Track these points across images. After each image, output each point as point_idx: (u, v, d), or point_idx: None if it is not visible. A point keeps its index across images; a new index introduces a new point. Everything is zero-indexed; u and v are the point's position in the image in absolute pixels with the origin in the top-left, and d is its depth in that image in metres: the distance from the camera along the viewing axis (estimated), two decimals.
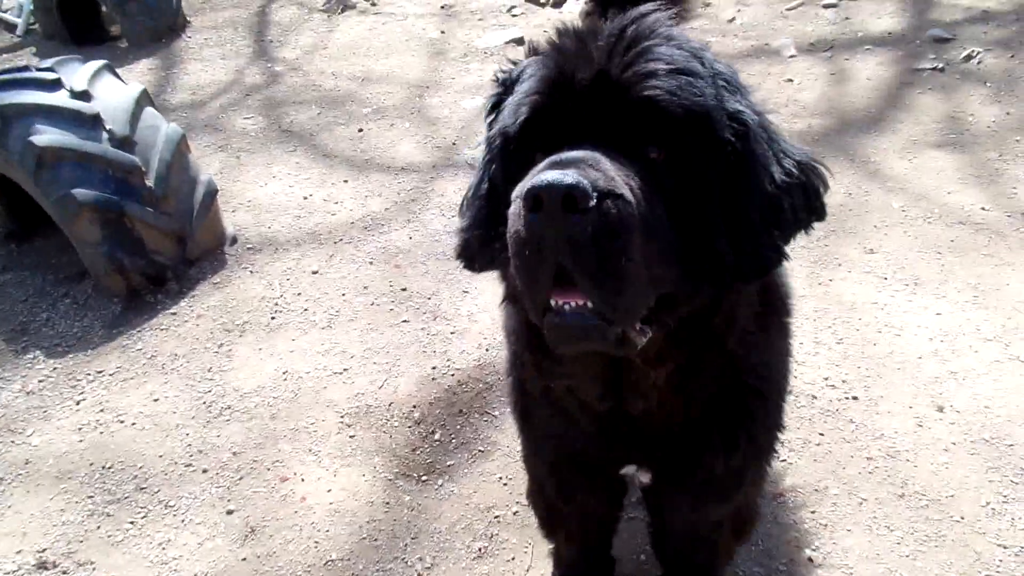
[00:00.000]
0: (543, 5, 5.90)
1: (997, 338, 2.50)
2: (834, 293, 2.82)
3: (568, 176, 0.96)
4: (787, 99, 4.17)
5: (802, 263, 2.94)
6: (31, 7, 6.05)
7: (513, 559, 1.98)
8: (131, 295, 2.89)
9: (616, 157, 1.06)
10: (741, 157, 1.14)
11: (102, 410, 2.49)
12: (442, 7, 6.07)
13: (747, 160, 1.15)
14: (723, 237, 1.12)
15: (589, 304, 1.02)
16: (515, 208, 1.03)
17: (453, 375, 2.50)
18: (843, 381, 2.43)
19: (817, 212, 1.24)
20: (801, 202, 1.21)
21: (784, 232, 1.19)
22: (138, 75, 5.35)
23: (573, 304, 1.03)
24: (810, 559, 1.96)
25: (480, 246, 1.28)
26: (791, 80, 4.37)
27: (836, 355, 2.54)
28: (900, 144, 3.60)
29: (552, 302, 1.04)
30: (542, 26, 5.59)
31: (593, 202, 0.97)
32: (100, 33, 6.07)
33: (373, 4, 6.18)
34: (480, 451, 2.25)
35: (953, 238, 2.97)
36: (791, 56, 4.69)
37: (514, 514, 2.07)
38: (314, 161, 3.92)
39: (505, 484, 2.14)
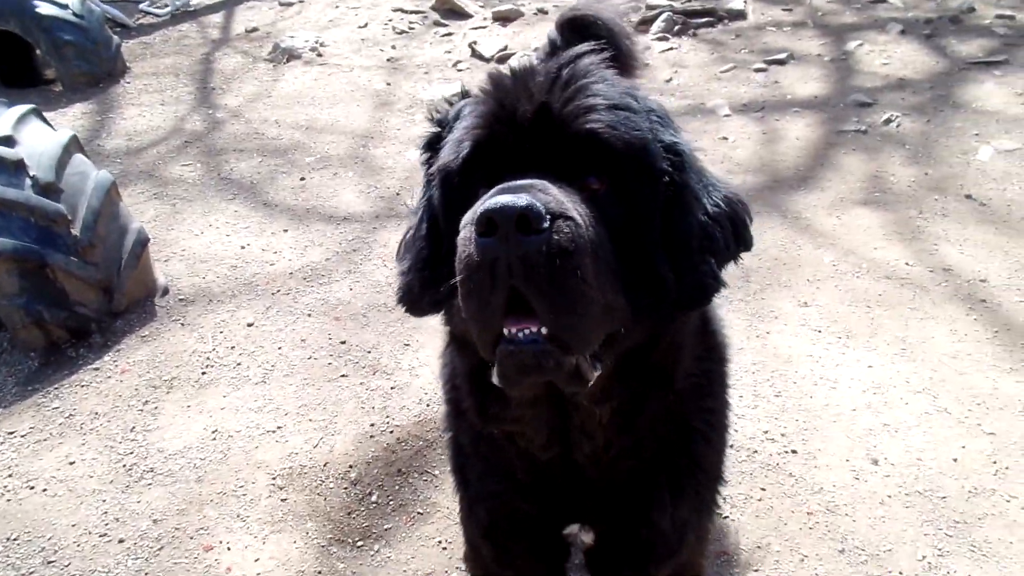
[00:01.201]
0: (488, 60, 6.03)
1: (926, 390, 2.58)
2: (771, 346, 2.87)
3: (521, 199, 0.97)
4: (723, 156, 4.34)
5: (740, 316, 3.00)
6: None
7: None
8: (50, 349, 2.73)
9: (561, 186, 1.08)
10: (677, 187, 1.18)
11: (10, 475, 2.31)
12: (388, 60, 6.14)
13: (683, 190, 1.19)
14: (665, 263, 1.15)
15: (544, 330, 1.01)
16: (465, 235, 1.03)
17: (392, 432, 2.42)
18: (782, 434, 2.46)
19: (745, 242, 1.29)
20: (730, 232, 1.25)
21: (718, 260, 1.23)
22: (71, 119, 5.20)
23: (528, 331, 1.02)
24: None
25: (422, 288, 1.26)
26: (726, 138, 4.56)
27: (775, 408, 2.57)
28: (828, 201, 3.77)
29: (505, 331, 1.03)
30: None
31: (547, 223, 0.98)
32: (34, 76, 5.90)
33: (319, 55, 6.21)
34: (419, 513, 2.17)
35: (881, 292, 3.09)
36: (725, 115, 4.90)
37: None
38: (253, 210, 3.84)
39: (444, 548, 2.06)
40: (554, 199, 1.02)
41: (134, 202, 3.95)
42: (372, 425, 2.43)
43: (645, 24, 6.57)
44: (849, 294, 3.10)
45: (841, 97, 4.84)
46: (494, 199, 0.97)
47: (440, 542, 2.07)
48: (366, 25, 6.90)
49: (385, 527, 2.13)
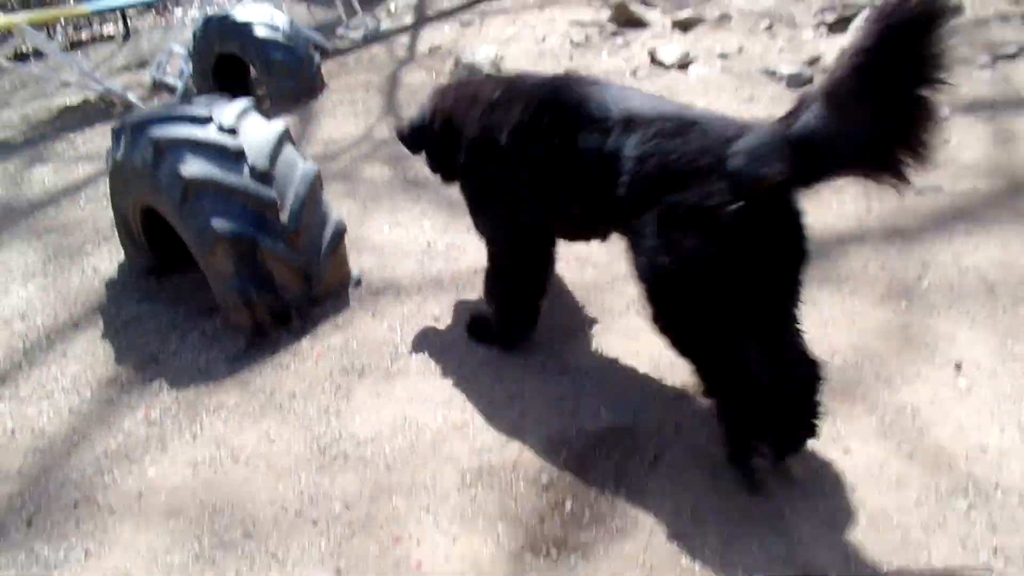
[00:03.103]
0: (668, 67, 5.81)
1: None
2: None
3: None
4: (946, 159, 3.80)
5: (990, 334, 2.54)
6: (191, 72, 6.57)
7: None
8: (256, 330, 2.86)
9: None
10: None
11: (218, 446, 2.40)
12: (565, 71, 6.10)
13: None
14: None
15: None
16: None
17: (585, 437, 2.25)
18: None
19: None
20: None
21: None
22: None
23: None
24: None
25: None
26: (947, 140, 4.01)
27: None
28: None
29: None
30: (667, 87, 5.48)
31: None
32: (248, 94, 6.49)
33: (498, 69, 6.30)
34: (618, 528, 1.97)
35: None
36: (945, 116, 4.33)
37: None
38: (438, 210, 3.87)
39: (651, 570, 1.84)
40: None
41: (331, 200, 4.15)
42: (563, 428, 2.28)
43: (842, 23, 6.05)
44: None
45: None
46: None
47: (644, 562, 1.86)
48: (544, 39, 6.94)
49: (581, 539, 1.95)
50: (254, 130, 2.94)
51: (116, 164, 3.04)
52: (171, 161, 2.75)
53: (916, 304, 2.72)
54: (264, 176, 2.82)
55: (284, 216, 2.82)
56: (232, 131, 2.86)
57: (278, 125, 2.98)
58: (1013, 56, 4.92)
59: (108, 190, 3.28)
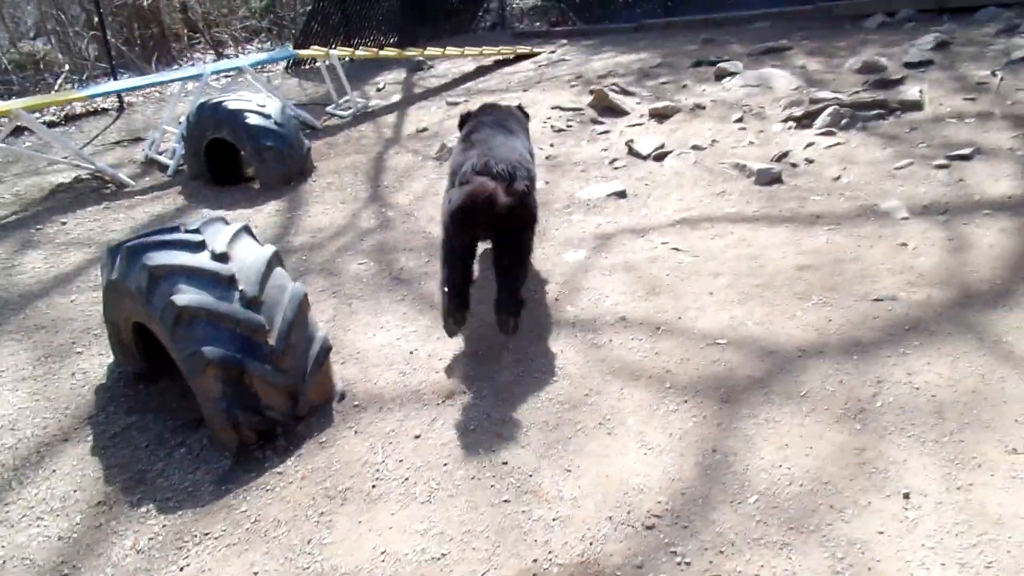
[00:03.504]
0: (645, 158, 6.08)
1: None
2: (976, 502, 2.54)
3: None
4: (902, 265, 4.02)
5: (934, 460, 2.70)
6: (183, 152, 6.78)
7: None
8: (241, 450, 2.97)
9: None
10: None
11: None
12: (547, 158, 6.36)
13: None
14: None
15: None
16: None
17: (556, 571, 2.37)
18: None
19: None
20: None
21: None
22: (266, 216, 5.80)
23: None
24: None
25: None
26: (905, 244, 4.23)
27: None
28: None
29: None
30: (643, 179, 5.74)
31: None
32: (237, 175, 6.70)
33: None
34: None
35: None
36: (903, 218, 4.57)
37: None
38: (421, 312, 4.03)
39: None
40: None
41: (316, 299, 4.30)
42: (535, 561, 2.40)
43: (809, 118, 6.37)
44: None
45: None
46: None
47: None
48: None
49: None
50: (246, 254, 3.10)
51: (111, 283, 3.18)
52: (165, 288, 2.90)
53: (870, 426, 2.89)
54: (253, 302, 2.96)
55: (272, 339, 2.96)
56: (224, 257, 3.02)
57: (268, 250, 3.15)
58: (968, 157, 5.20)
59: (99, 282, 3.39)
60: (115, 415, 3.36)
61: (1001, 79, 6.35)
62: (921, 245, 4.20)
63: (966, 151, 5.23)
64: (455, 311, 3.31)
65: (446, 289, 3.34)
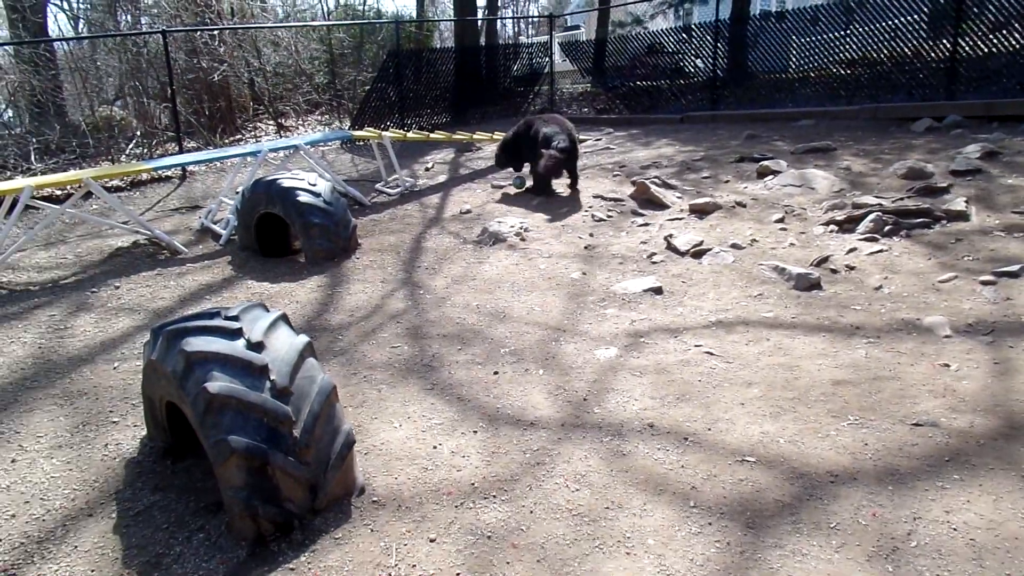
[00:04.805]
0: (683, 255, 6.11)
1: None
2: None
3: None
4: (944, 388, 3.89)
5: None
6: (235, 223, 7.08)
7: None
8: (257, 540, 2.97)
9: None
10: None
11: None
12: (585, 247, 6.44)
13: None
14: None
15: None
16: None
17: None
18: None
19: None
20: None
21: None
22: (309, 290, 5.96)
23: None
24: None
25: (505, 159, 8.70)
26: (947, 365, 4.11)
27: None
28: None
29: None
30: (680, 276, 5.74)
31: None
32: (285, 248, 6.94)
33: (522, 239, 6.68)
34: None
35: None
36: (946, 336, 4.45)
37: None
38: (448, 404, 4.05)
39: None
40: None
41: (347, 383, 4.36)
42: None
43: (851, 222, 6.35)
44: None
45: None
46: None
47: None
48: (567, 213, 7.36)
49: None
50: (280, 344, 3.18)
51: (150, 362, 3.29)
52: (199, 374, 2.98)
53: (903, 569, 2.75)
54: (283, 392, 3.02)
55: (297, 431, 3.00)
56: (259, 346, 3.11)
57: (301, 340, 3.23)
58: (1016, 275, 5.08)
59: (141, 350, 3.49)
60: (141, 491, 3.41)
61: None
62: (964, 367, 4.07)
63: (1014, 268, 5.12)
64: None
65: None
